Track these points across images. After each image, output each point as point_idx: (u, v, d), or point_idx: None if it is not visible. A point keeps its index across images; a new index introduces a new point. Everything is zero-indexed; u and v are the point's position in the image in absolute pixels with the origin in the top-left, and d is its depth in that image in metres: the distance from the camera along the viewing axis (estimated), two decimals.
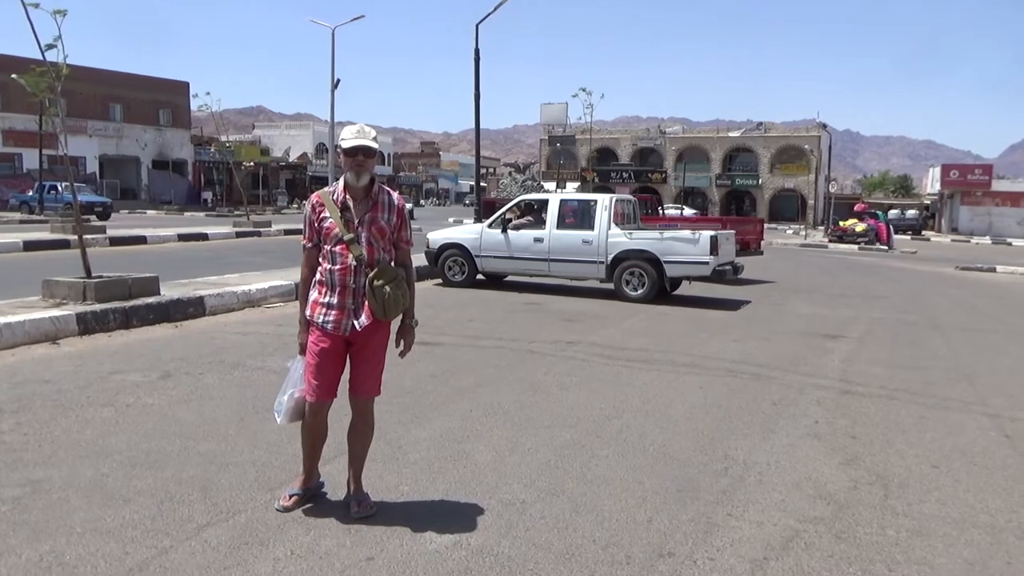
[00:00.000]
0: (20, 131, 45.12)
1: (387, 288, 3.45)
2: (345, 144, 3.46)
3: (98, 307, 7.94)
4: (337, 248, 3.47)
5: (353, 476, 3.70)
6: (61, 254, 15.20)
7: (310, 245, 3.58)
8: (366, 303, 3.46)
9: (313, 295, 3.56)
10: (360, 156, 3.46)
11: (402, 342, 3.69)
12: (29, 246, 16.65)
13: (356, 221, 3.48)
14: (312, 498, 3.71)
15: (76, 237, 10.36)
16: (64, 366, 6.30)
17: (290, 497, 3.61)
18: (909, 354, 8.36)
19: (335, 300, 3.48)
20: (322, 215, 3.51)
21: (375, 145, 3.49)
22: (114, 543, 3.24)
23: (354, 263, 3.45)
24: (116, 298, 8.37)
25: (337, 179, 3.64)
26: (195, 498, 3.73)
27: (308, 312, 3.56)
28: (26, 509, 3.54)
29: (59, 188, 33.57)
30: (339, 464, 4.01)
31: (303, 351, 3.59)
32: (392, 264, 3.57)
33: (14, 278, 11.00)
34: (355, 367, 3.61)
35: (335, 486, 3.86)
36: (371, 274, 3.46)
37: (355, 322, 3.48)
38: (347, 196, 3.51)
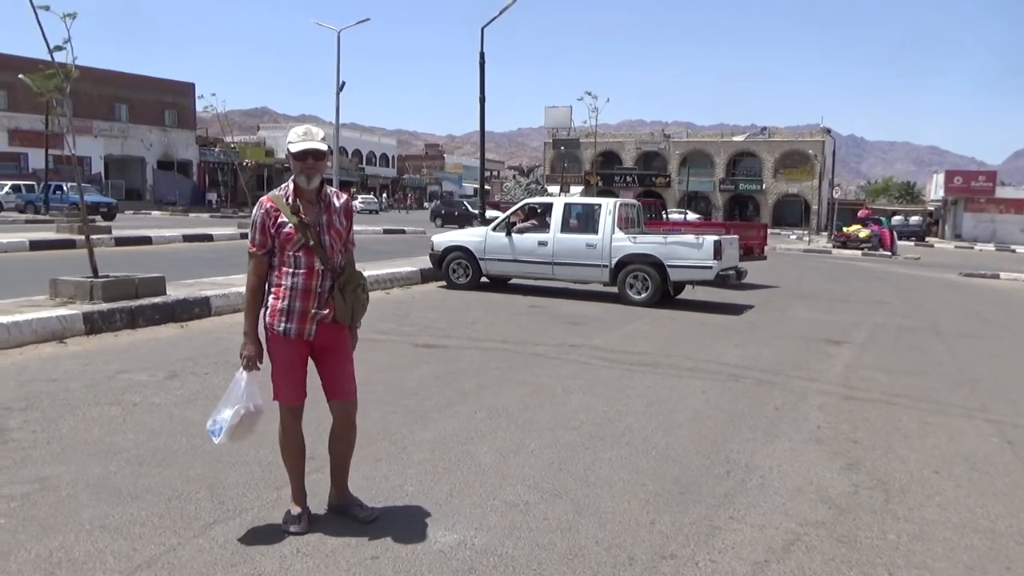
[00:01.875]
0: (26, 131, 45.31)
1: (357, 293, 3.45)
2: (294, 148, 3.36)
3: (105, 307, 7.99)
4: (300, 253, 3.38)
5: (340, 485, 3.64)
6: (67, 254, 15.26)
7: (261, 252, 3.42)
8: (329, 305, 3.42)
9: (270, 301, 3.45)
10: (310, 159, 3.37)
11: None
12: (35, 245, 16.73)
13: (316, 225, 3.42)
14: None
15: (81, 237, 10.43)
16: (71, 365, 6.35)
17: (298, 519, 3.46)
18: (911, 360, 8.37)
19: (297, 305, 3.40)
20: (279, 220, 3.38)
21: (324, 147, 3.41)
22: (122, 540, 3.27)
23: (320, 267, 3.40)
24: (122, 298, 8.42)
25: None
26: (202, 496, 3.77)
27: (268, 319, 3.43)
28: (35, 506, 3.58)
29: (64, 188, 33.77)
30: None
31: (249, 365, 3.44)
32: (352, 268, 3.53)
33: (21, 277, 11.07)
34: (328, 372, 3.53)
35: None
36: (341, 280, 3.42)
37: (320, 315, 3.40)
38: (299, 200, 3.43)
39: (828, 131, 64.49)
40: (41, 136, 35.83)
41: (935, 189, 59.00)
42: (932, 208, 59.42)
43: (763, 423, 5.55)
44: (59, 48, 8.37)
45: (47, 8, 8.11)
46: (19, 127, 46.30)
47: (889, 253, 30.63)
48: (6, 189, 35.78)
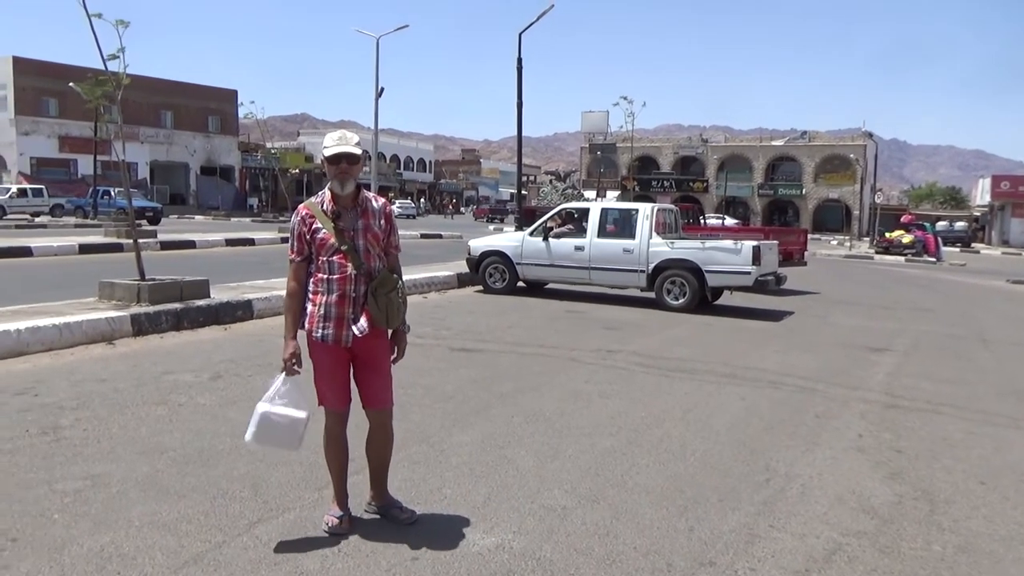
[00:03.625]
0: (76, 137, 46.66)
1: (390, 296, 3.45)
2: (327, 152, 3.39)
3: (151, 309, 8.19)
4: (335, 258, 3.41)
5: (380, 488, 3.69)
6: (114, 257, 15.67)
7: (299, 259, 3.49)
8: (365, 311, 3.43)
9: (309, 308, 3.47)
10: (344, 163, 3.39)
11: (395, 349, 3.64)
12: (84, 249, 17.21)
13: (351, 230, 3.44)
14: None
15: (129, 241, 10.70)
16: (120, 366, 6.53)
17: (340, 520, 3.52)
18: (957, 368, 8.20)
19: (333, 310, 3.43)
20: (313, 227, 3.43)
21: (358, 151, 3.42)
22: (170, 536, 3.36)
23: (353, 272, 3.42)
24: (168, 300, 8.62)
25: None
26: (246, 495, 3.85)
27: (307, 325, 3.46)
28: (87, 502, 3.70)
29: (112, 193, 34.73)
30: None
31: (287, 369, 3.46)
32: (387, 271, 3.54)
33: (71, 280, 11.40)
34: (365, 379, 3.56)
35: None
36: (374, 283, 3.42)
37: (354, 328, 3.42)
38: (336, 205, 3.45)
39: (870, 135, 63.37)
40: (90, 143, 36.93)
41: (981, 194, 57.57)
42: (978, 213, 57.99)
43: (803, 431, 5.48)
44: (114, 57, 8.64)
45: (99, 15, 8.36)
46: (69, 134, 47.70)
47: (933, 259, 29.99)
48: (12, 192, 36.82)
